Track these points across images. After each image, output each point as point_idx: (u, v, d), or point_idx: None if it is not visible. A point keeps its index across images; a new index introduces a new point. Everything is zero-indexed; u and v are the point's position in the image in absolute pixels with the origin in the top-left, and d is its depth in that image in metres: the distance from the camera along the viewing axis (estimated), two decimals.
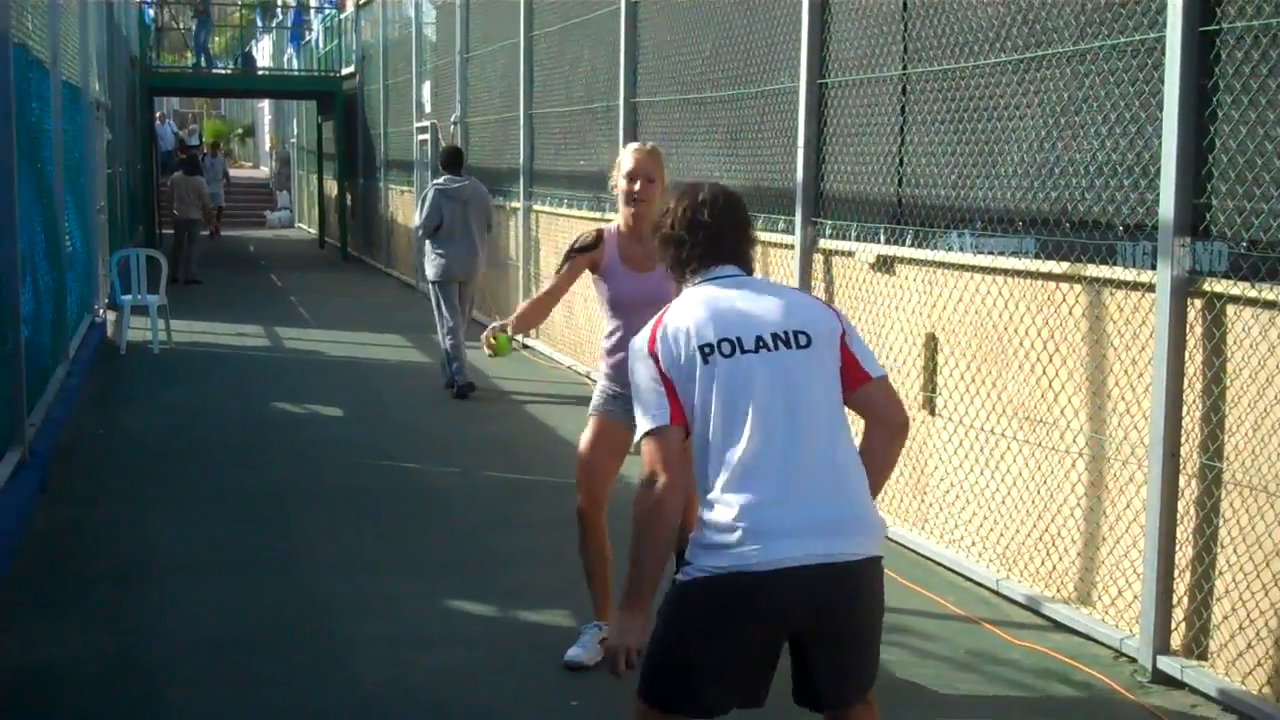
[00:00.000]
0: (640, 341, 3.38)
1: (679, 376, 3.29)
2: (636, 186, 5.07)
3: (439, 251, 11.32)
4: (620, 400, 5.12)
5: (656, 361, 3.31)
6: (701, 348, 3.29)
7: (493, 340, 5.11)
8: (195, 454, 9.03)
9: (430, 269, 11.45)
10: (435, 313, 11.51)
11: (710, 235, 3.48)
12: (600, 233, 5.19)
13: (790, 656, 3.32)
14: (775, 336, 3.31)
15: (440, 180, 11.55)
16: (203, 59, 30.94)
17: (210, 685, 5.10)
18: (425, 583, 5.82)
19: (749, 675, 3.25)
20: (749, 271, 3.53)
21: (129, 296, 13.72)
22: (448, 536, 6.20)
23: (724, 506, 3.18)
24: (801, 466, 3.21)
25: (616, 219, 5.23)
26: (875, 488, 3.40)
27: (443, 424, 10.19)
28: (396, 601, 5.95)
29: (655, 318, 3.44)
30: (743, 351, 3.28)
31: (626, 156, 5.14)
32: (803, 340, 3.32)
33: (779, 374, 3.27)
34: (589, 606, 5.52)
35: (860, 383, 3.40)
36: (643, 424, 3.29)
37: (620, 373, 5.05)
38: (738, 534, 3.14)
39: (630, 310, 5.12)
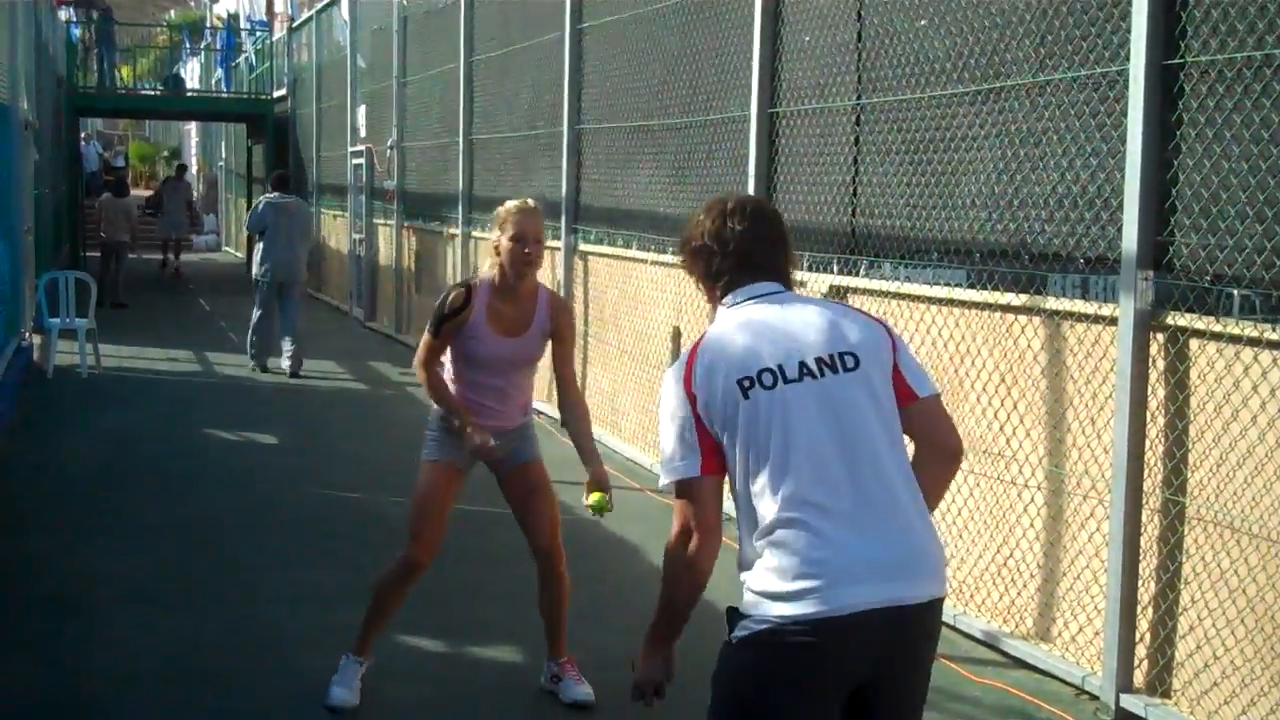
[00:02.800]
0: (675, 379, 3.06)
1: (718, 416, 3.00)
2: (527, 250, 4.85)
3: (265, 256, 13.61)
4: (453, 440, 4.97)
5: (693, 403, 3.01)
6: (740, 381, 2.99)
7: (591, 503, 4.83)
8: (131, 481, 8.82)
9: (257, 270, 13.77)
10: (255, 306, 13.83)
11: (741, 246, 3.17)
12: (469, 291, 4.91)
13: (849, 715, 3.01)
14: (820, 361, 3.01)
15: (272, 195, 13.97)
16: (107, 83, 30.21)
17: None
18: None
19: None
20: (788, 287, 3.22)
21: (57, 320, 13.42)
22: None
23: (781, 552, 2.91)
24: (860, 502, 2.94)
25: (489, 273, 4.99)
26: None
27: (385, 452, 10.02)
28: (349, 634, 5.75)
29: (691, 348, 3.11)
30: (785, 381, 2.99)
31: (513, 218, 4.87)
32: (849, 362, 3.03)
33: (827, 403, 2.98)
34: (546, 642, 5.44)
35: (907, 402, 3.08)
36: (669, 473, 3.03)
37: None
38: (800, 581, 2.87)
39: (485, 369, 4.96)
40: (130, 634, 5.84)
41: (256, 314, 13.82)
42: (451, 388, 5.04)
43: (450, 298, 4.93)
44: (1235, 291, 4.91)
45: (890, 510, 2.96)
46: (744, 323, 3.10)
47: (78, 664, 5.47)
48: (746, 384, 2.99)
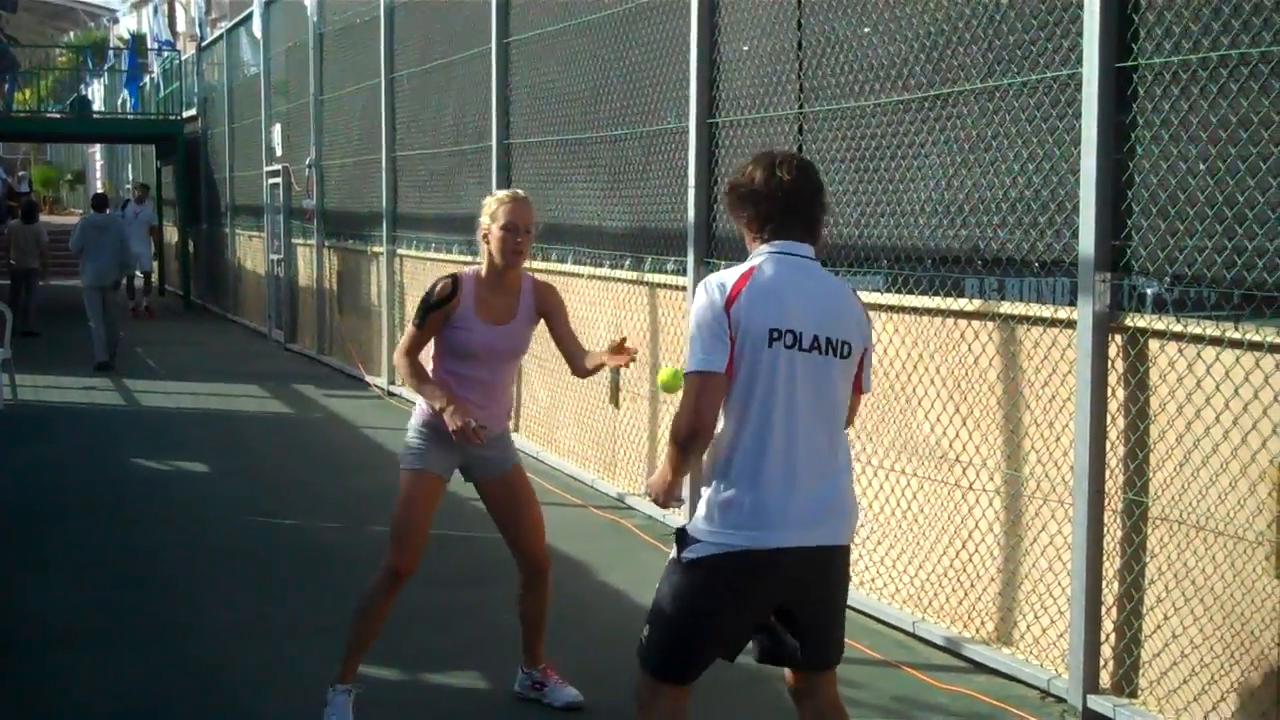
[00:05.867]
0: (722, 288, 3.55)
1: (743, 341, 3.53)
2: (519, 240, 4.86)
3: (88, 266, 16.19)
4: (436, 448, 4.92)
5: (729, 317, 3.52)
6: (771, 331, 3.53)
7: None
8: (59, 516, 8.57)
9: (83, 278, 16.30)
10: (88, 309, 16.05)
11: (788, 194, 3.65)
12: (457, 280, 4.90)
13: (777, 622, 3.71)
14: (828, 341, 3.59)
15: (90, 215, 17.24)
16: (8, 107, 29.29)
17: None
18: (325, 646, 5.53)
19: (740, 638, 3.72)
20: (816, 246, 3.72)
21: None
22: (343, 596, 5.93)
23: (741, 489, 3.54)
24: (811, 465, 3.57)
25: (472, 266, 5.02)
26: None
27: (317, 478, 9.85)
28: (297, 666, 5.67)
29: (743, 270, 3.59)
30: (801, 349, 3.56)
31: (504, 208, 4.88)
32: (845, 351, 3.63)
33: (819, 379, 3.59)
34: (502, 667, 5.38)
35: (854, 391, 3.76)
36: (696, 360, 3.53)
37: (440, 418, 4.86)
38: (750, 516, 3.53)
39: (473, 361, 4.91)
40: (72, 675, 5.64)
41: (91, 317, 16.04)
42: (446, 379, 4.96)
43: (437, 288, 4.91)
44: (1148, 290, 4.94)
45: (831, 475, 3.64)
46: (783, 276, 3.61)
47: (20, 709, 5.28)
48: (774, 335, 3.54)
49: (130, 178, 37.06)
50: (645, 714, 3.77)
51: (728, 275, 3.59)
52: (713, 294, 3.55)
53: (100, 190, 16.73)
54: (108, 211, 17.80)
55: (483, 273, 4.95)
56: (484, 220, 4.93)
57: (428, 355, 5.01)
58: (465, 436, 4.74)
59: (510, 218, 4.85)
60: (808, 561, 3.58)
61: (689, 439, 3.57)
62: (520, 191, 5.03)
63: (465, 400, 4.88)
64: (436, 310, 4.89)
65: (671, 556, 3.68)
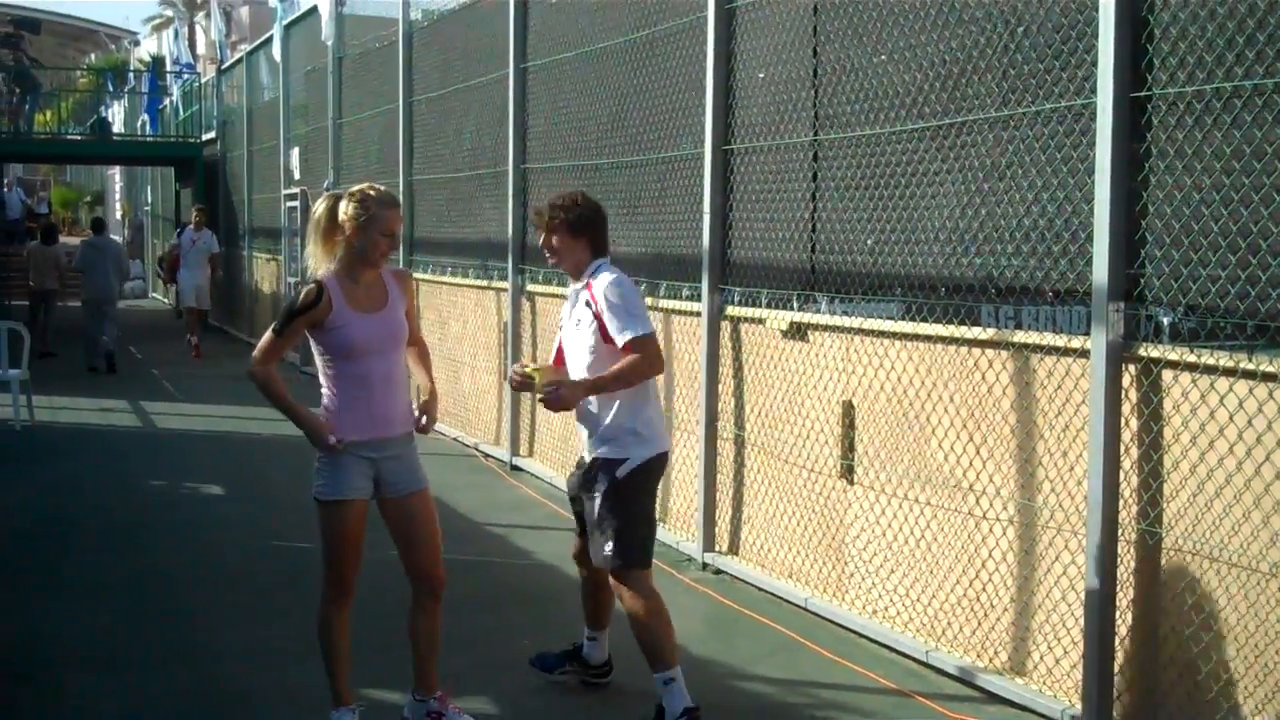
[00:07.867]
0: (632, 281, 5.37)
1: None
2: (392, 245, 4.96)
3: (86, 284, 18.19)
4: (347, 469, 4.97)
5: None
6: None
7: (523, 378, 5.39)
8: (74, 538, 8.61)
9: (83, 294, 18.29)
10: (87, 321, 18.15)
11: (604, 221, 5.54)
12: (321, 286, 4.86)
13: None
14: None
15: (90, 237, 19.07)
16: (26, 128, 29.31)
17: None
18: None
19: None
20: None
21: None
22: (357, 620, 5.96)
23: (649, 411, 5.31)
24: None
25: (325, 265, 4.94)
26: None
27: None
28: (312, 692, 5.65)
29: (619, 272, 5.43)
30: None
31: (383, 214, 4.86)
32: None
33: None
34: (518, 691, 5.34)
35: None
36: (648, 326, 5.23)
37: (361, 427, 4.94)
38: (657, 429, 5.33)
39: (365, 355, 4.90)
40: (88, 699, 5.67)
41: (89, 327, 18.06)
42: (334, 402, 4.97)
43: (301, 295, 4.91)
44: (1164, 320, 4.95)
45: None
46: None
47: None
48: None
49: (149, 200, 37.24)
50: (646, 595, 5.19)
51: (617, 271, 5.38)
52: (631, 281, 5.33)
53: (108, 215, 17.24)
54: (106, 235, 19.50)
55: (343, 270, 4.94)
56: (355, 214, 4.85)
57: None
58: (330, 450, 4.89)
59: (389, 225, 4.89)
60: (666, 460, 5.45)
61: (648, 374, 5.21)
62: (392, 192, 5.06)
63: (364, 408, 4.94)
64: (301, 317, 4.87)
65: (610, 480, 5.23)
